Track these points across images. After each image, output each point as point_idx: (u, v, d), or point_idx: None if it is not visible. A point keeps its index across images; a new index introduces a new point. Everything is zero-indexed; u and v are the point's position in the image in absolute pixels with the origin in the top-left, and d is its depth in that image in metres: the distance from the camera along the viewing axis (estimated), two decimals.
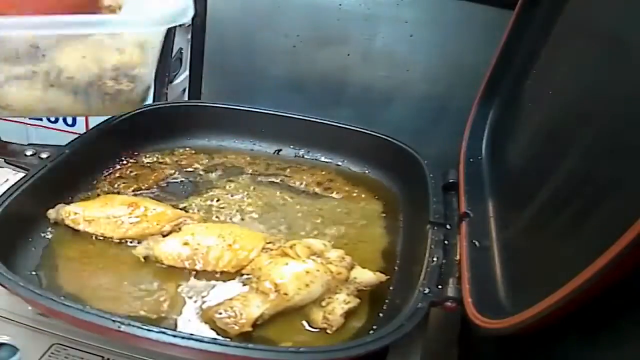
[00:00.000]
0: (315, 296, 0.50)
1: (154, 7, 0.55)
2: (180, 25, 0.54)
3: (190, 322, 0.48)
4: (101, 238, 0.56)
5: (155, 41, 0.56)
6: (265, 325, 0.48)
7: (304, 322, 0.49)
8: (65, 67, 0.54)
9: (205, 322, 0.48)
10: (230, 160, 0.73)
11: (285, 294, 0.48)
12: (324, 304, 0.50)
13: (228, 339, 0.46)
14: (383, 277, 0.54)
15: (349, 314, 0.50)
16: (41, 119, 0.91)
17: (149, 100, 0.86)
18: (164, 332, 0.39)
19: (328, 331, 0.48)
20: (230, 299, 0.49)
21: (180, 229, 0.56)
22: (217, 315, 0.47)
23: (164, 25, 0.53)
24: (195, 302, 0.50)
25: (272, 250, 0.54)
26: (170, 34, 0.77)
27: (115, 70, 0.55)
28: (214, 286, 0.52)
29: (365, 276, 0.53)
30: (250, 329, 0.46)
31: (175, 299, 0.50)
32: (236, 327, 0.46)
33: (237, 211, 0.63)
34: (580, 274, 0.30)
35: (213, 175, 0.69)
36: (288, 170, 0.72)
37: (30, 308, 0.49)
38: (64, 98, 0.56)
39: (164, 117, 0.73)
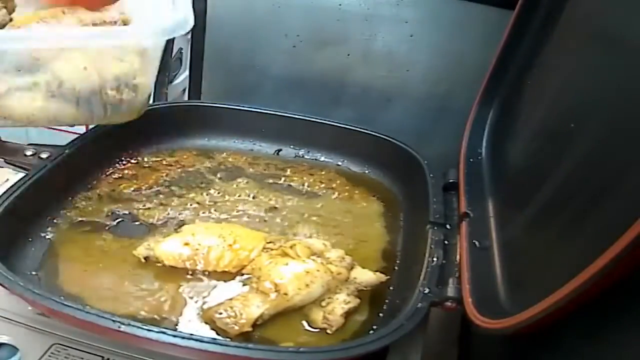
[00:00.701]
0: (316, 296, 0.50)
1: (154, 18, 0.56)
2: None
3: (190, 322, 0.48)
4: (103, 240, 0.56)
5: (156, 51, 0.57)
6: (265, 326, 0.48)
7: (304, 322, 0.49)
8: (67, 78, 0.54)
9: (206, 322, 0.48)
10: (230, 160, 0.73)
11: (285, 294, 0.48)
12: (324, 304, 0.50)
13: (228, 339, 0.46)
14: (383, 278, 0.54)
15: (349, 314, 0.50)
16: None
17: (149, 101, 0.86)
18: (164, 332, 0.39)
19: (328, 331, 0.48)
20: (231, 299, 0.49)
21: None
22: (217, 315, 0.47)
23: (164, 36, 0.54)
24: (196, 302, 0.50)
25: (272, 250, 0.54)
26: (169, 41, 0.77)
27: (116, 80, 0.56)
28: (215, 286, 0.52)
29: (366, 276, 0.53)
30: (250, 329, 0.46)
31: (176, 298, 0.50)
32: (236, 327, 0.46)
33: (237, 211, 0.63)
34: (580, 274, 0.30)
35: (213, 176, 0.69)
36: (288, 170, 0.72)
37: (30, 308, 0.49)
38: (66, 108, 0.56)
39: (164, 117, 0.73)
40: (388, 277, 0.54)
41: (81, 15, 0.59)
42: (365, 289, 0.53)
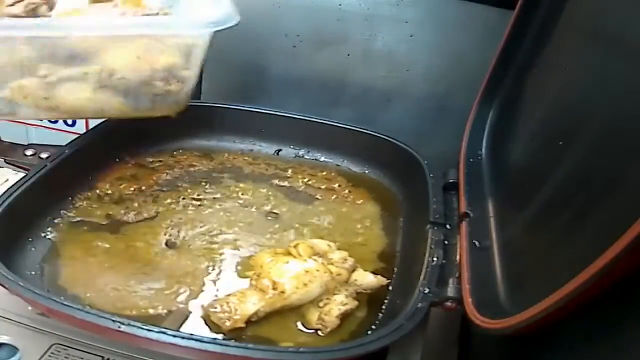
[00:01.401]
0: (313, 296, 0.50)
1: (200, 12, 0.56)
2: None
3: (191, 322, 0.48)
4: (103, 240, 0.56)
5: (203, 43, 0.56)
6: (260, 323, 0.48)
7: (299, 323, 0.49)
8: (119, 68, 0.54)
9: (203, 318, 0.48)
10: (230, 161, 0.73)
11: (283, 292, 0.48)
12: (321, 304, 0.50)
13: (221, 334, 0.46)
14: (384, 281, 0.54)
15: (347, 315, 0.50)
16: (41, 119, 0.91)
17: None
18: (164, 332, 0.39)
19: (320, 332, 0.48)
20: (228, 295, 0.49)
21: None
22: (212, 310, 0.47)
23: (212, 28, 0.54)
24: (199, 301, 0.50)
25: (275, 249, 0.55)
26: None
27: (165, 71, 0.56)
28: (219, 285, 0.52)
29: (366, 279, 0.53)
30: (243, 325, 0.46)
31: (181, 297, 0.50)
32: (228, 323, 0.46)
33: (237, 212, 0.63)
34: (580, 274, 0.30)
35: (213, 176, 0.69)
36: (288, 170, 0.72)
37: (30, 308, 0.49)
38: (114, 99, 0.56)
39: (164, 117, 0.73)
40: (389, 280, 0.54)
41: (124, 8, 0.59)
42: (365, 291, 0.53)
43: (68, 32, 0.51)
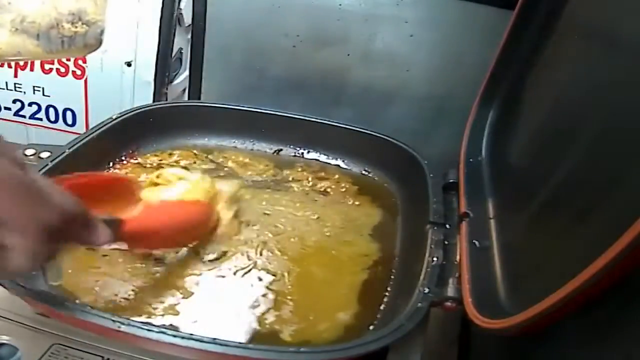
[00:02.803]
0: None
1: None
2: (179, 25, 0.59)
3: (191, 322, 0.48)
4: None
5: None
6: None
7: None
8: (28, 13, 0.60)
9: None
10: (230, 160, 0.73)
11: None
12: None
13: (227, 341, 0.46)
14: (243, 184, 0.63)
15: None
16: (41, 119, 0.91)
17: (149, 100, 0.86)
18: (164, 332, 0.39)
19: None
20: None
21: None
22: None
23: None
24: (197, 299, 0.50)
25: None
26: (170, 33, 0.82)
27: (71, 15, 0.62)
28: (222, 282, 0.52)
29: (226, 187, 0.60)
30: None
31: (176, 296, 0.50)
32: None
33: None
34: (580, 274, 0.30)
35: (213, 175, 0.69)
36: (288, 170, 0.72)
37: (30, 308, 0.49)
38: (28, 42, 0.62)
39: (164, 117, 0.73)
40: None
41: None
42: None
43: None
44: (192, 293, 0.51)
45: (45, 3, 0.60)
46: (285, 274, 0.54)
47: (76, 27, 0.62)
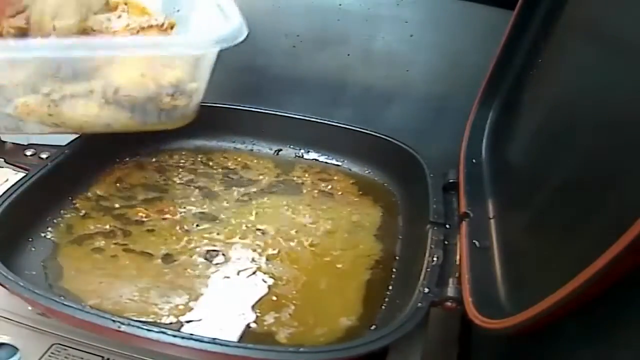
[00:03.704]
0: None
1: (207, 27, 0.57)
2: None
3: (191, 321, 0.48)
4: (103, 240, 0.56)
5: (210, 58, 0.57)
6: None
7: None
8: (123, 85, 0.54)
9: None
10: (230, 161, 0.73)
11: None
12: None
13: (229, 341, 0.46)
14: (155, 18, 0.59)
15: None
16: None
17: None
18: (164, 332, 0.39)
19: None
20: None
21: None
22: None
23: (219, 46, 0.54)
24: (197, 297, 0.50)
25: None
26: None
27: (172, 87, 0.56)
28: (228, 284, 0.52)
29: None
30: None
31: (176, 296, 0.50)
32: None
33: (236, 211, 0.63)
34: (580, 274, 0.30)
35: (213, 175, 0.69)
36: (288, 170, 0.72)
37: (30, 308, 0.49)
38: (120, 115, 0.56)
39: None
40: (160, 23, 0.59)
41: (128, 18, 0.60)
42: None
43: (72, 54, 0.51)
44: (201, 294, 0.51)
45: (145, 76, 0.54)
46: (289, 278, 0.54)
47: (176, 99, 0.57)
